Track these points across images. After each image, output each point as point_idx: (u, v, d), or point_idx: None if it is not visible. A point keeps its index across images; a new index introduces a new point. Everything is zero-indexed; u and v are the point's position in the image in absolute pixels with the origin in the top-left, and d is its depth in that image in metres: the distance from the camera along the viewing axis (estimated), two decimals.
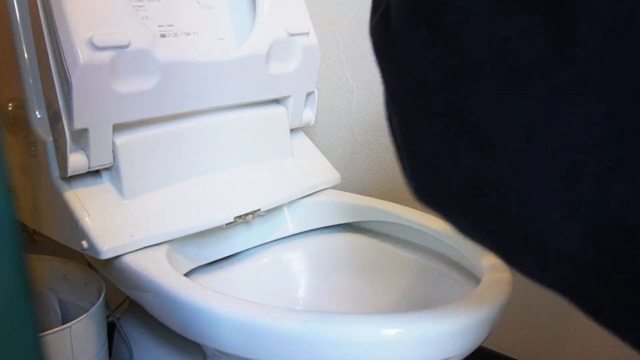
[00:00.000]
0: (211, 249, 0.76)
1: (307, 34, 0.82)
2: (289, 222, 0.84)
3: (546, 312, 0.92)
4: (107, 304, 0.78)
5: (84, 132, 0.64)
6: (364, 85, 1.03)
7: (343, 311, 0.71)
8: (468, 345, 0.53)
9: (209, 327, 0.55)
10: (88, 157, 0.65)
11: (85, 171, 0.66)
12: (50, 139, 0.66)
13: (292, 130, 0.88)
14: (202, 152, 0.76)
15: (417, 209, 0.77)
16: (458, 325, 0.51)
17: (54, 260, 0.81)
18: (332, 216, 0.84)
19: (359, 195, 0.84)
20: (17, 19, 0.65)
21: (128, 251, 0.65)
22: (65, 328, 0.66)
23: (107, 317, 0.77)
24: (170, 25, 0.73)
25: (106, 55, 0.61)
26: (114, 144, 0.67)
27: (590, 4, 0.20)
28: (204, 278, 0.74)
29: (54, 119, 0.65)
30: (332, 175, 0.88)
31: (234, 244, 0.79)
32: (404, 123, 0.28)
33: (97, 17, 0.62)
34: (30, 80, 0.67)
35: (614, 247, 0.22)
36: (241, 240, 0.80)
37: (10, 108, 0.72)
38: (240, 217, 0.74)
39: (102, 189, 0.68)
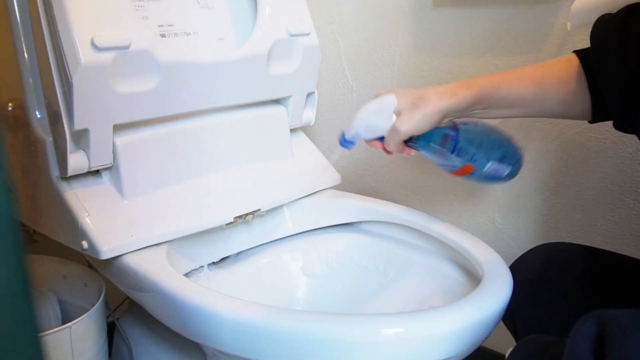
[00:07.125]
0: (211, 249, 0.76)
1: (308, 34, 0.82)
2: (289, 222, 0.84)
3: None
4: (107, 304, 0.78)
5: (84, 132, 0.64)
6: (364, 85, 1.03)
7: (343, 311, 0.71)
8: (468, 345, 0.53)
9: (209, 327, 0.55)
10: (88, 157, 0.65)
11: (85, 171, 0.66)
12: (50, 139, 0.66)
13: (292, 130, 0.88)
14: (202, 152, 0.76)
15: (417, 209, 0.76)
16: (458, 325, 0.51)
17: (54, 260, 0.81)
18: (332, 216, 0.84)
19: (359, 195, 0.84)
20: (17, 18, 0.65)
21: (128, 251, 0.65)
22: (65, 328, 0.66)
23: (107, 317, 0.77)
24: (170, 25, 0.72)
25: (107, 56, 0.61)
26: (114, 144, 0.67)
27: None
28: (204, 278, 0.74)
29: (54, 119, 0.65)
30: (332, 175, 0.88)
31: (234, 244, 0.79)
32: None
33: (98, 18, 0.62)
34: (30, 80, 0.67)
35: None
36: (241, 240, 0.80)
37: (10, 108, 0.72)
38: (240, 217, 0.74)
39: (102, 189, 0.68)
